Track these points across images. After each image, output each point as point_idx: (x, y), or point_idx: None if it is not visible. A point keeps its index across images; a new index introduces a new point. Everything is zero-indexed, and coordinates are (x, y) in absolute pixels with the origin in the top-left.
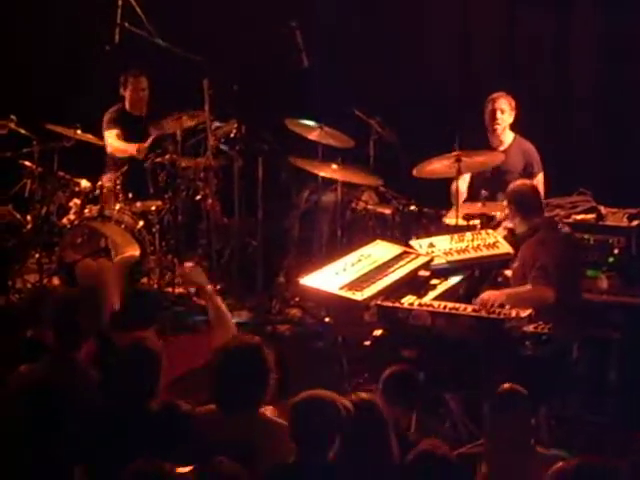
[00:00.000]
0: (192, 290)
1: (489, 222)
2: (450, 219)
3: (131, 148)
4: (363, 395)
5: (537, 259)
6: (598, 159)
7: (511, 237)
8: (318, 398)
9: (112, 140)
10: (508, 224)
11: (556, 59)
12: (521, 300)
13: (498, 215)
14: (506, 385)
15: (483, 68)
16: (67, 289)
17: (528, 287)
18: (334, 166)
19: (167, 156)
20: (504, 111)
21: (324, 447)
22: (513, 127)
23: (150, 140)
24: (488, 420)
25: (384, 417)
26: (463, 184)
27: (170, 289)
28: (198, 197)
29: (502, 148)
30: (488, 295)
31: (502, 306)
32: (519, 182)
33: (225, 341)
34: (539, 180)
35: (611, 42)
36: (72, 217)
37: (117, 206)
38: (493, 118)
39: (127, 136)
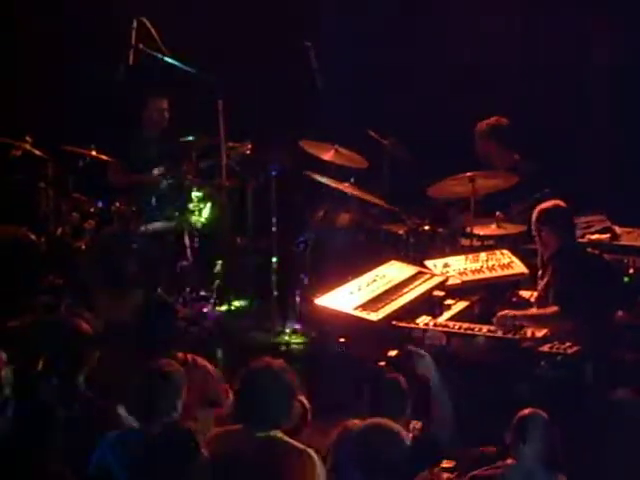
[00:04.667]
0: None
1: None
2: (465, 239)
3: (129, 178)
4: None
5: (556, 280)
6: (613, 178)
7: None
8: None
9: (111, 174)
10: None
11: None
12: (539, 324)
13: None
14: (526, 410)
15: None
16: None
17: (550, 309)
18: (346, 185)
19: (181, 177)
20: (485, 146)
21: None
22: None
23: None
24: (512, 443)
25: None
26: None
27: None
28: (212, 217)
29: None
30: (505, 312)
31: (518, 327)
32: (552, 202)
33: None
34: None
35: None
36: (87, 238)
37: (132, 227)
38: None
39: (138, 159)
